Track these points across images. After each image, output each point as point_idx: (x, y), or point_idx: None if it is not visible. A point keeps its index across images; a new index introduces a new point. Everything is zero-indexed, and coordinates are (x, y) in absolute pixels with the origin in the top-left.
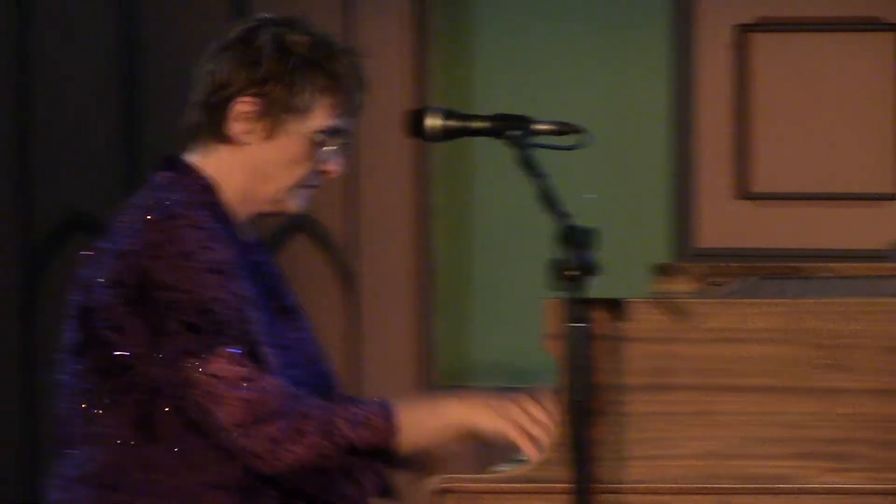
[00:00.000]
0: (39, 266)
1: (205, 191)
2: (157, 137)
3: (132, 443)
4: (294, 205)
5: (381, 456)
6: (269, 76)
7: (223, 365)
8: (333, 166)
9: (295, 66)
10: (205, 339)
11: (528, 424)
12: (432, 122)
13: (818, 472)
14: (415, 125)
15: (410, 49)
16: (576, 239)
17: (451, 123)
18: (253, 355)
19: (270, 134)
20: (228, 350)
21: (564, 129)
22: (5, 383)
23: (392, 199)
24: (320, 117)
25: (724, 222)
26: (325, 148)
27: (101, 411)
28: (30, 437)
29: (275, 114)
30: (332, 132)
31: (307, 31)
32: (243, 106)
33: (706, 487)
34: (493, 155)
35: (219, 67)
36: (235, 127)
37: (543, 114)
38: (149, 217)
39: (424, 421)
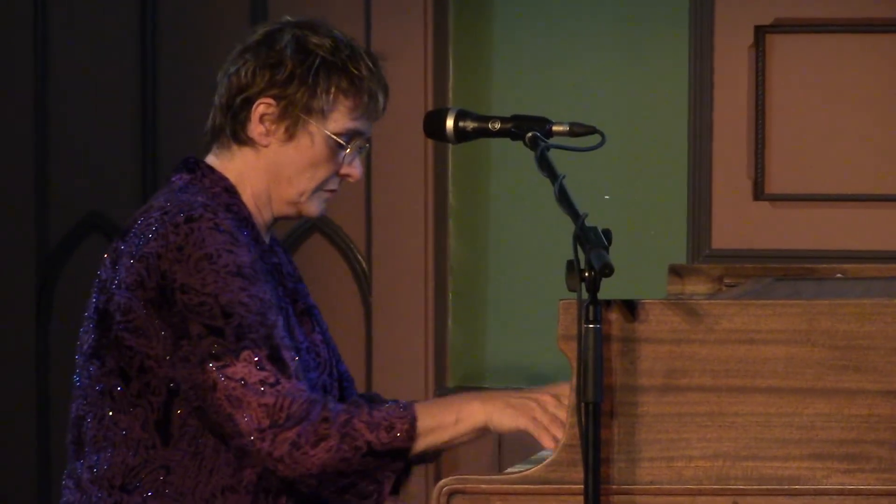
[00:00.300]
0: (55, 267)
1: (226, 193)
2: (173, 139)
3: (147, 445)
4: (313, 208)
5: (401, 457)
6: (290, 77)
7: (245, 368)
8: (353, 170)
9: (316, 67)
10: (228, 342)
11: (549, 421)
12: (451, 123)
13: (831, 473)
14: (433, 126)
15: (429, 50)
16: (591, 240)
17: (470, 124)
18: (275, 359)
19: (290, 136)
20: (251, 353)
21: (581, 130)
22: (22, 384)
23: (408, 199)
24: (340, 120)
25: (739, 223)
26: (345, 151)
27: (116, 413)
28: (45, 439)
29: (295, 115)
30: (352, 135)
31: (329, 33)
32: (264, 107)
33: (719, 488)
34: (509, 156)
35: (240, 69)
36: (256, 129)
37: (561, 115)
38: (170, 219)
39: (445, 424)
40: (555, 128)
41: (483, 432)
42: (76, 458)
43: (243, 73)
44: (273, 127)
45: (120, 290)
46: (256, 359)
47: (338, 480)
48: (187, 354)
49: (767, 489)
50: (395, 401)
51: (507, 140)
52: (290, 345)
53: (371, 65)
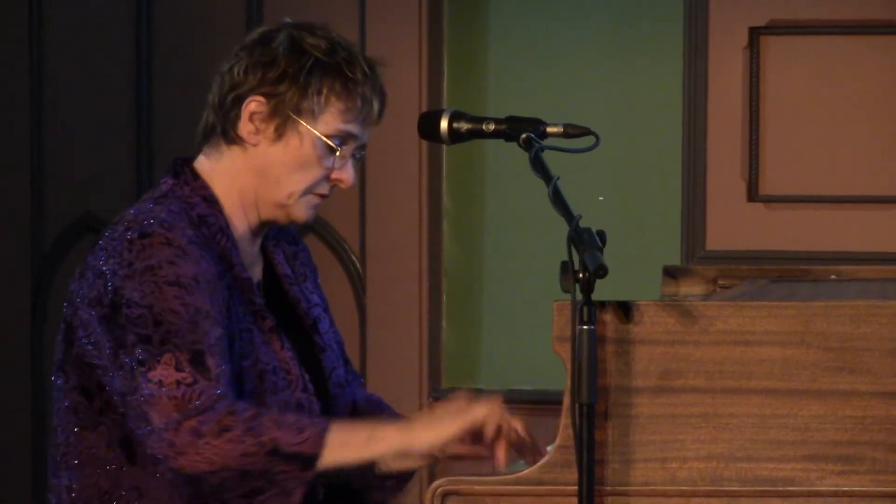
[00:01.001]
0: (50, 268)
1: (204, 202)
2: (168, 140)
3: (115, 465)
4: (301, 213)
5: (309, 466)
6: (282, 76)
7: (164, 371)
8: (344, 175)
9: (309, 67)
10: (153, 348)
11: (473, 408)
12: (445, 124)
13: (826, 474)
14: (428, 127)
15: (424, 51)
16: (585, 241)
17: (464, 126)
18: (196, 362)
19: (279, 135)
20: (171, 356)
21: (576, 131)
22: (16, 385)
23: (402, 200)
24: (331, 121)
25: (734, 224)
26: (335, 155)
27: (82, 430)
28: (41, 440)
29: (285, 114)
30: (344, 138)
31: (327, 35)
32: (255, 105)
33: (713, 490)
34: (503, 157)
35: (234, 67)
36: (245, 127)
37: (556, 116)
38: (128, 236)
39: (356, 441)
40: (549, 129)
41: (407, 456)
42: (54, 475)
43: (236, 71)
44: (263, 126)
45: (83, 304)
46: (176, 361)
47: (242, 482)
48: (122, 363)
49: (762, 490)
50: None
51: (502, 141)
52: (220, 353)
53: (367, 69)
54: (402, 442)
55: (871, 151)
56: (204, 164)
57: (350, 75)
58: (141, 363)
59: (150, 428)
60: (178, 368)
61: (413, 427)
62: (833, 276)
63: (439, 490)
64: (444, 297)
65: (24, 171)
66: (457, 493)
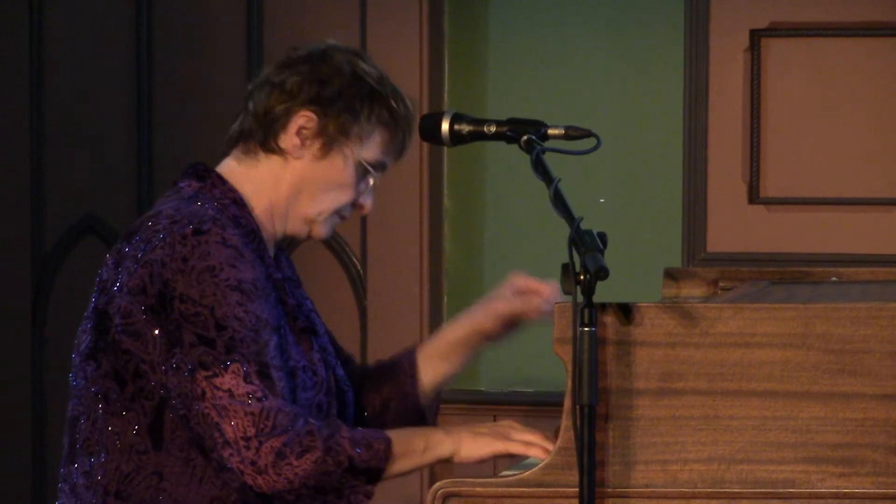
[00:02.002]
0: (51, 270)
1: (234, 205)
2: (169, 142)
3: (138, 450)
4: (323, 231)
5: (375, 478)
6: (337, 96)
7: (233, 380)
8: (368, 201)
9: (365, 94)
10: (218, 353)
11: (517, 436)
12: (446, 126)
13: (826, 476)
14: (429, 129)
15: (425, 53)
16: (586, 243)
17: (465, 128)
18: (263, 375)
19: (325, 153)
20: (239, 367)
21: (577, 133)
22: (17, 386)
23: (403, 202)
24: (374, 149)
25: (734, 227)
26: (368, 181)
27: (109, 417)
28: (41, 442)
29: (333, 134)
30: (379, 166)
31: (373, 64)
32: (304, 120)
33: (714, 492)
34: (504, 159)
35: (287, 80)
36: (291, 140)
37: (557, 118)
38: (179, 229)
39: (415, 450)
40: (550, 131)
41: (444, 463)
42: (70, 462)
43: (289, 84)
44: (308, 141)
45: (121, 293)
46: (245, 372)
47: (315, 497)
48: (178, 363)
49: (762, 493)
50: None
51: (503, 143)
52: (279, 365)
53: (409, 105)
54: (452, 451)
55: (872, 153)
56: (234, 168)
57: (396, 108)
58: (204, 366)
59: (224, 439)
60: (246, 380)
61: (462, 439)
62: (833, 279)
63: (440, 492)
64: (445, 298)
65: (25, 172)
66: (458, 495)
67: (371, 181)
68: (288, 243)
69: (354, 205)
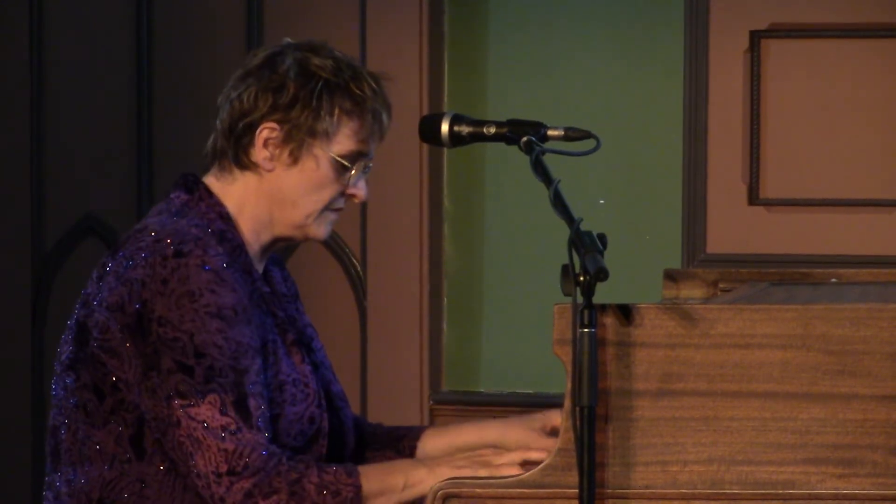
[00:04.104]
0: (51, 270)
1: (220, 219)
2: (168, 143)
3: (121, 459)
4: (319, 230)
5: None
6: (293, 101)
7: (209, 412)
8: (359, 191)
9: (319, 89)
10: (196, 382)
11: (497, 461)
12: (446, 127)
13: (826, 477)
14: (429, 131)
15: (424, 54)
16: (586, 244)
17: (465, 129)
18: (239, 407)
19: (295, 159)
20: (216, 397)
21: (576, 135)
22: (17, 387)
23: (403, 203)
24: (345, 141)
25: (734, 228)
26: (350, 172)
27: (89, 428)
28: (41, 442)
29: (299, 139)
30: (357, 156)
31: (330, 54)
32: (268, 132)
33: (714, 493)
34: (504, 160)
35: (242, 94)
36: (260, 154)
37: (556, 120)
38: (160, 249)
39: (393, 488)
40: (550, 132)
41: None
42: (53, 470)
43: (245, 98)
44: (277, 151)
45: (100, 308)
46: (221, 403)
47: None
48: (154, 387)
49: (762, 494)
50: (345, 465)
51: (502, 144)
52: (259, 392)
53: (374, 84)
54: (432, 483)
55: (872, 154)
56: (214, 184)
57: (359, 93)
58: (181, 395)
59: (196, 471)
60: (222, 412)
61: (441, 472)
62: (833, 280)
63: (440, 493)
64: (445, 299)
65: (25, 173)
66: (458, 496)
67: (355, 171)
68: (286, 246)
69: (345, 196)
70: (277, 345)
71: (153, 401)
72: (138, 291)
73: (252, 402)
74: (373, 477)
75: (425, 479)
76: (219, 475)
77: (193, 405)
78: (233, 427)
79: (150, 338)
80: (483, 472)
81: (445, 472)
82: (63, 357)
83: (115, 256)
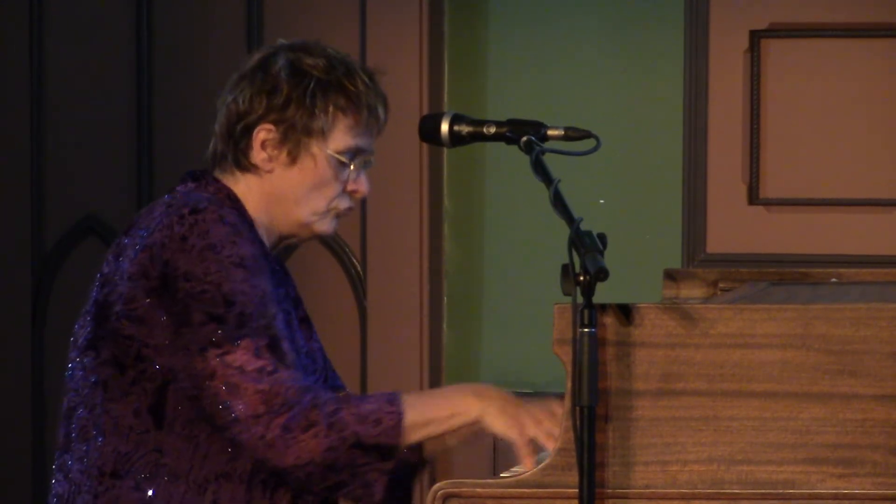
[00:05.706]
0: (51, 270)
1: (228, 200)
2: (168, 143)
3: (138, 430)
4: (325, 227)
5: (389, 455)
6: (287, 101)
7: (244, 356)
8: (359, 186)
9: (312, 88)
10: (229, 330)
11: (542, 436)
12: (446, 127)
13: (826, 477)
14: (429, 130)
15: (424, 54)
16: (586, 244)
17: (465, 129)
18: (273, 348)
19: (293, 159)
20: (250, 342)
21: (576, 134)
22: (17, 386)
23: (403, 203)
24: (341, 138)
25: (734, 227)
26: (349, 168)
27: (108, 402)
28: (41, 441)
29: (296, 138)
30: (355, 152)
31: (323, 53)
32: (264, 133)
33: (714, 493)
34: (504, 159)
35: (238, 97)
36: (259, 155)
37: (556, 119)
38: (175, 211)
39: (439, 418)
40: (550, 132)
41: (474, 428)
42: (65, 451)
43: (241, 101)
44: (275, 152)
45: (122, 280)
46: (255, 347)
47: (326, 476)
48: (187, 343)
49: (762, 493)
50: (387, 393)
51: (502, 144)
52: (287, 336)
53: (367, 79)
54: (478, 417)
55: (872, 154)
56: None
57: (352, 89)
58: (215, 344)
59: (233, 416)
60: (257, 355)
61: (489, 411)
62: (833, 279)
63: (440, 493)
64: (445, 299)
65: (25, 173)
66: (458, 496)
67: (354, 166)
68: (289, 244)
69: (347, 192)
70: (292, 316)
71: (187, 358)
72: (159, 254)
73: (284, 345)
74: (417, 405)
75: (472, 406)
76: (257, 416)
77: (228, 353)
78: (269, 368)
79: (177, 295)
80: (514, 434)
81: (491, 412)
82: (80, 340)
83: (130, 232)
